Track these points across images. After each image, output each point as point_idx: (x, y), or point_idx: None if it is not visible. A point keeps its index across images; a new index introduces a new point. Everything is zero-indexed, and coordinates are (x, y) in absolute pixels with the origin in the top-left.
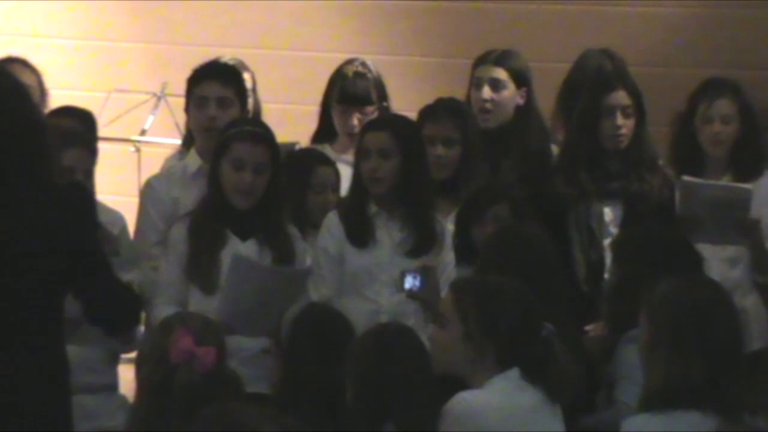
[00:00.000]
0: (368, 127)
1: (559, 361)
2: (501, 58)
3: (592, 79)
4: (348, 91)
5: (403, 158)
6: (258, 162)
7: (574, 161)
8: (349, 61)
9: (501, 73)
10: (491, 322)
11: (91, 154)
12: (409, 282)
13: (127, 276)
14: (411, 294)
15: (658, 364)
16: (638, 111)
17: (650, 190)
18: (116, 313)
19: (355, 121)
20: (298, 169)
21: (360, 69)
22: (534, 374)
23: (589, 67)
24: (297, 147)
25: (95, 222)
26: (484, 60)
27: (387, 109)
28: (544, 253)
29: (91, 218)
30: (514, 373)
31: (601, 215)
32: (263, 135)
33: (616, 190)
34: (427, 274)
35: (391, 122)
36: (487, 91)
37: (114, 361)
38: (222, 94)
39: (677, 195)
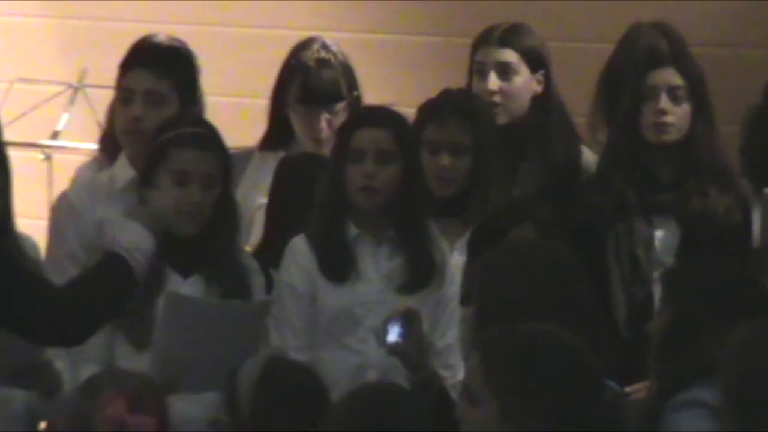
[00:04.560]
0: (360, 121)
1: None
2: (507, 35)
3: (640, 61)
4: (312, 87)
5: (403, 165)
6: (206, 173)
7: (612, 164)
8: (305, 45)
9: (509, 55)
10: (531, 395)
11: None
12: (395, 334)
13: None
14: (393, 348)
15: None
16: (696, 98)
17: (714, 209)
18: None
19: (323, 123)
20: (298, 179)
21: (323, 55)
22: None
23: (637, 47)
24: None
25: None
26: (485, 40)
27: (358, 99)
28: (574, 284)
29: None
30: None
31: (649, 239)
32: (211, 139)
33: (667, 204)
34: (411, 319)
35: (392, 118)
36: (493, 80)
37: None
38: (152, 87)
39: (755, 216)
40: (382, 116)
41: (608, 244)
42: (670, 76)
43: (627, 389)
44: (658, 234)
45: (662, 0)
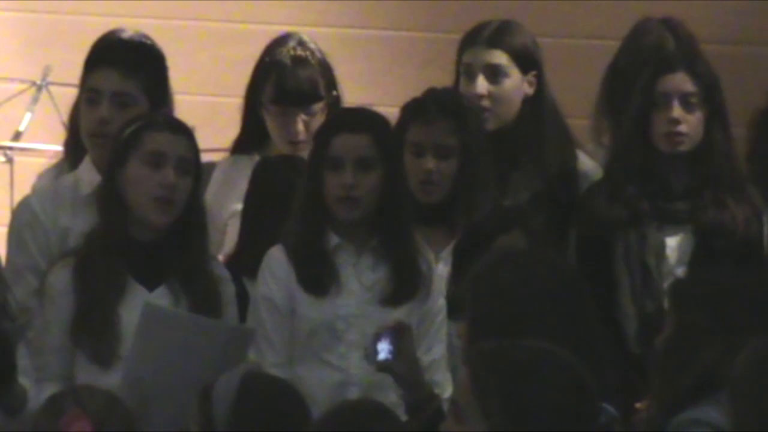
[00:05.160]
0: (338, 126)
1: None
2: (496, 35)
3: (650, 61)
4: (287, 87)
5: (385, 172)
6: (181, 156)
7: (623, 172)
8: (281, 42)
9: (499, 57)
10: (521, 415)
11: None
12: (385, 351)
13: None
14: (382, 365)
15: None
16: (711, 104)
17: (733, 222)
18: None
19: (300, 125)
20: (275, 184)
21: (299, 52)
22: None
23: (645, 46)
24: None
25: None
26: (473, 40)
27: (337, 99)
28: (575, 295)
29: None
30: None
31: (661, 248)
32: (184, 127)
33: (681, 213)
34: (401, 335)
35: (371, 121)
36: (482, 83)
37: None
38: (120, 88)
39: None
40: (362, 120)
41: (618, 254)
42: (682, 83)
43: (637, 405)
44: (671, 244)
45: None
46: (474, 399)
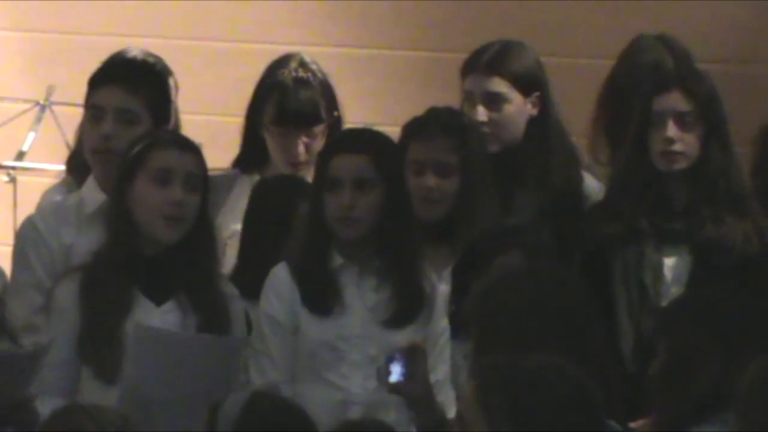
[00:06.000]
0: (338, 147)
1: None
2: (495, 62)
3: (648, 79)
4: (288, 108)
5: (385, 192)
6: (189, 172)
7: (623, 189)
8: (282, 62)
9: (498, 84)
10: (529, 430)
11: None
12: (397, 373)
13: None
14: (395, 387)
15: None
16: (708, 121)
17: (730, 238)
18: None
19: (301, 146)
20: (275, 203)
21: (301, 73)
22: None
23: (641, 63)
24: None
25: None
26: (472, 67)
27: (339, 120)
28: (578, 314)
29: None
30: None
31: (658, 267)
32: (192, 144)
33: (679, 232)
34: (415, 357)
35: (370, 141)
36: (482, 111)
37: None
38: (124, 105)
39: None
40: (361, 141)
41: (616, 272)
42: (677, 102)
43: (632, 425)
44: (669, 263)
45: (663, 10)
46: (480, 412)
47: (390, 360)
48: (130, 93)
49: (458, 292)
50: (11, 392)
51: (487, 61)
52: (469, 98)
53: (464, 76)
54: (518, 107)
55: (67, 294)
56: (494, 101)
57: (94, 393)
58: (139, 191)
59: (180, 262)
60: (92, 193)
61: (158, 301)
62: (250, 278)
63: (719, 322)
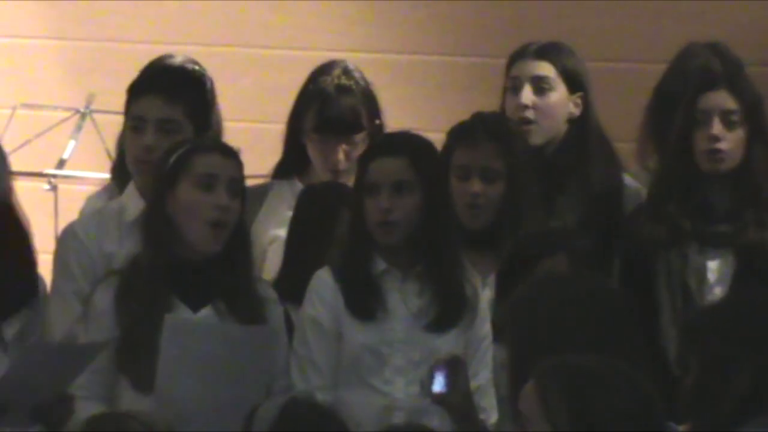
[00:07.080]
0: (376, 151)
1: None
2: (545, 49)
3: (694, 83)
4: (329, 116)
5: (424, 195)
6: (232, 178)
7: (666, 192)
8: (326, 69)
9: (546, 68)
10: (590, 427)
11: None
12: (440, 383)
13: None
14: (438, 397)
15: None
16: (752, 122)
17: None
18: None
19: (341, 154)
20: (320, 211)
21: (343, 81)
22: None
23: (690, 68)
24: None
25: None
26: (521, 54)
27: (380, 128)
28: (617, 320)
29: None
30: None
31: (702, 270)
32: (232, 149)
33: (723, 235)
34: (456, 369)
35: (409, 145)
36: (527, 94)
37: None
38: (164, 115)
39: None
40: (399, 144)
41: (659, 275)
42: (723, 100)
43: (678, 428)
44: (712, 265)
45: (712, 17)
46: (540, 409)
47: (433, 370)
48: (171, 102)
49: (502, 297)
50: (58, 385)
51: (538, 47)
52: (515, 84)
53: (512, 64)
54: (562, 98)
55: (104, 299)
56: (541, 86)
57: (132, 400)
58: (183, 197)
59: (217, 267)
60: (133, 201)
61: (195, 308)
62: (295, 284)
63: (748, 327)
